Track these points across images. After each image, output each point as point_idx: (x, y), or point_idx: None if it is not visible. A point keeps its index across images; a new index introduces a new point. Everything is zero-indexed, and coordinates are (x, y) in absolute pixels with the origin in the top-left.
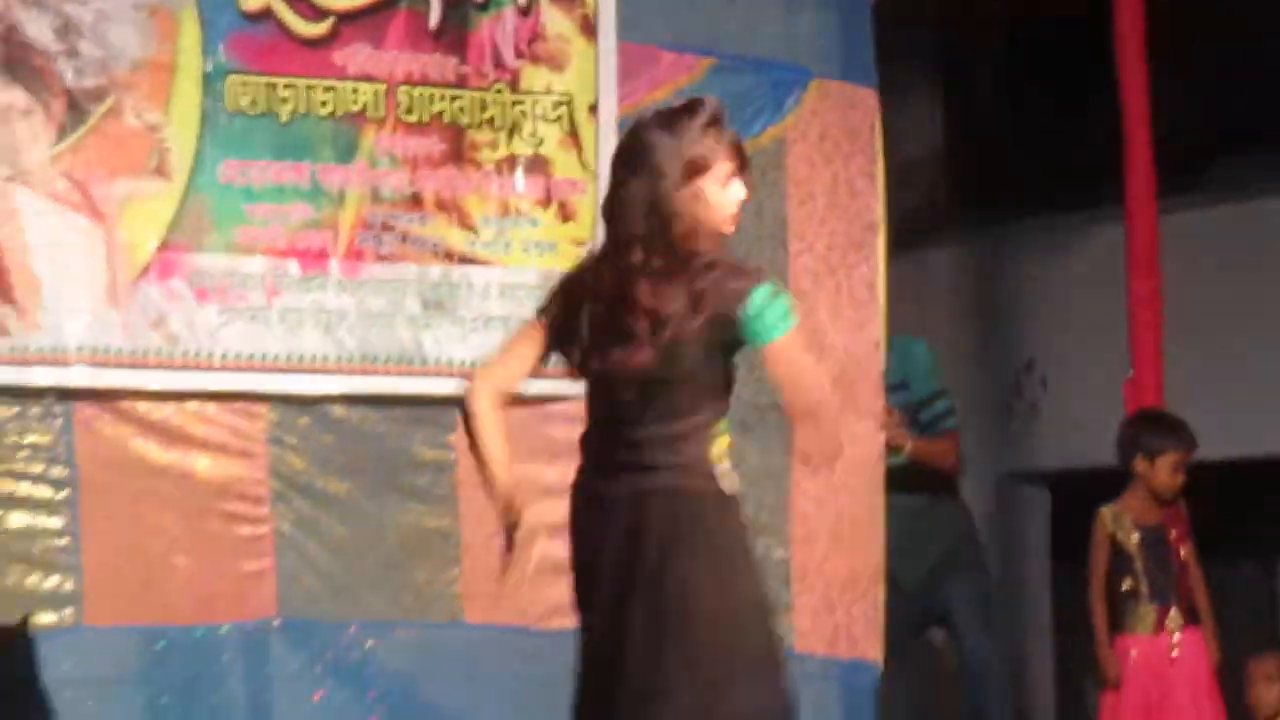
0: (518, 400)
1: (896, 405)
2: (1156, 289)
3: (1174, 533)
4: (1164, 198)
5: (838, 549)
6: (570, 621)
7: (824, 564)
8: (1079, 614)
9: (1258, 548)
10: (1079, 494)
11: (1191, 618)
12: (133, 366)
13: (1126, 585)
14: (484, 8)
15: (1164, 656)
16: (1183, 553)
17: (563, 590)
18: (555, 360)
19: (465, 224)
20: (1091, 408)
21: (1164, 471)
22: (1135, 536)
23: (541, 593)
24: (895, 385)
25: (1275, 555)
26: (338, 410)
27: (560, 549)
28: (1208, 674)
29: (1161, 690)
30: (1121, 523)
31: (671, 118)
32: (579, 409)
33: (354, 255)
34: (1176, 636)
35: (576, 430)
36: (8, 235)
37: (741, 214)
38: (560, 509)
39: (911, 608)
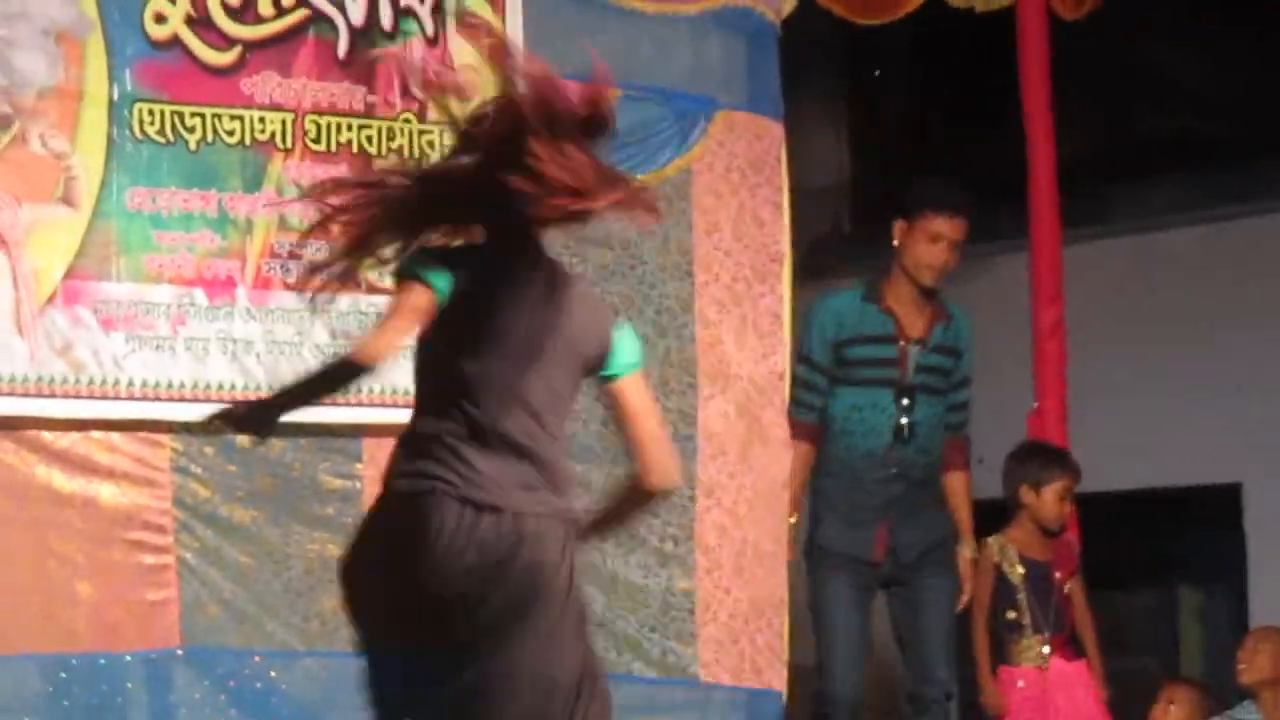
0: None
1: (944, 370)
2: (1060, 320)
3: (1059, 573)
4: (1067, 228)
5: (741, 579)
6: None
7: (727, 595)
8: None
9: (1160, 577)
10: (984, 525)
11: (1077, 651)
12: (38, 395)
13: (1011, 616)
14: (392, 37)
15: (1049, 688)
16: (1067, 588)
17: None
18: None
19: None
20: (996, 439)
21: (1050, 500)
22: (1020, 569)
23: None
24: (949, 349)
25: (1177, 585)
26: (243, 439)
27: None
28: (1093, 707)
29: None
30: (1007, 554)
31: None
32: None
33: (261, 284)
34: (1057, 669)
35: None
36: None
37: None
38: None
39: (882, 575)
